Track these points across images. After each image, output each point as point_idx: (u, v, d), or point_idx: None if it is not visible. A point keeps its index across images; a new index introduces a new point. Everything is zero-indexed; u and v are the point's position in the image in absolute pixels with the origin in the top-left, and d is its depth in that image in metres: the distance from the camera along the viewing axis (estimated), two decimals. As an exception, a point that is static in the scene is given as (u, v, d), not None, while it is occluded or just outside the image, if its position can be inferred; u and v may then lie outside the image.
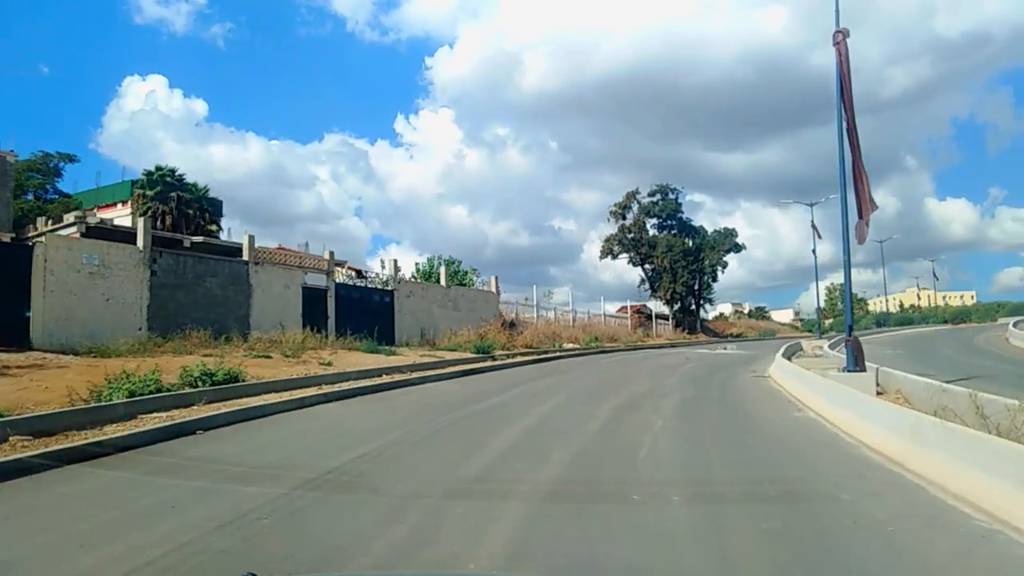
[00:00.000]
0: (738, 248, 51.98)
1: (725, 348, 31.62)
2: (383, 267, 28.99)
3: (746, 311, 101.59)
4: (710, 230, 52.75)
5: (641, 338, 41.65)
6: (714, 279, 52.09)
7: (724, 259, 51.08)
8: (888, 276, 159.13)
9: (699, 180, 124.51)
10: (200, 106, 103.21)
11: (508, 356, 23.30)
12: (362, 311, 23.91)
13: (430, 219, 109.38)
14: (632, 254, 51.34)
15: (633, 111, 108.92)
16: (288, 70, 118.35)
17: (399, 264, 26.86)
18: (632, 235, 50.60)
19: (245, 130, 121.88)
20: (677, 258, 48.73)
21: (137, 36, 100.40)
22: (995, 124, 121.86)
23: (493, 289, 32.33)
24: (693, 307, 52.52)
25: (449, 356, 20.91)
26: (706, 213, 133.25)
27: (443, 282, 29.20)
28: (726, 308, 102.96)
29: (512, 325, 31.35)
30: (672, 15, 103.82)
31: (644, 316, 50.03)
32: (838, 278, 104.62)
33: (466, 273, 34.90)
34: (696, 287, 51.73)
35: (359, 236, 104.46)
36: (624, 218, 51.15)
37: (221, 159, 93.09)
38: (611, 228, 51.66)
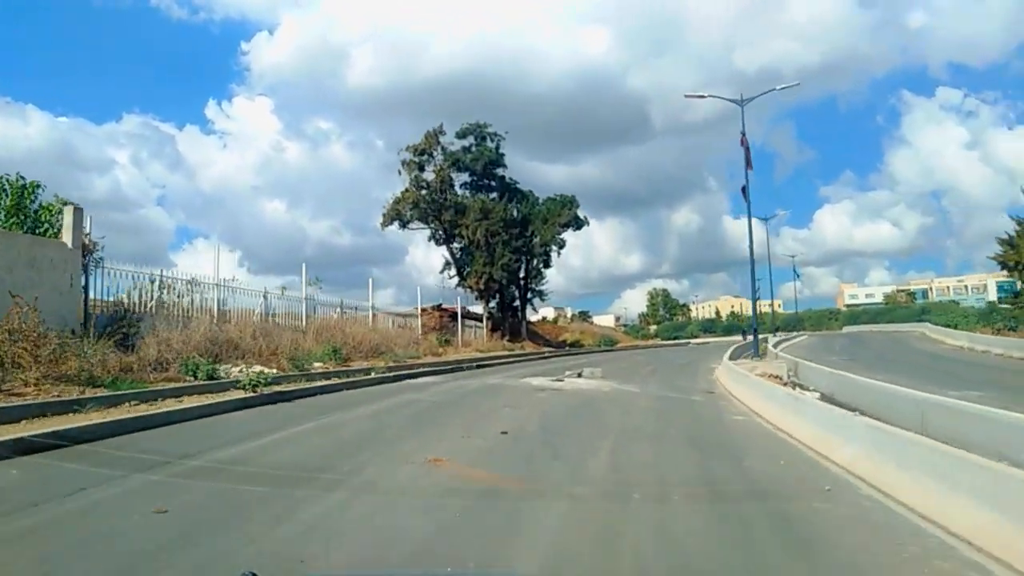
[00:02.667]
0: (579, 223, 37.54)
1: (580, 374, 15.72)
2: None
3: (569, 315, 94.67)
4: (542, 197, 37.70)
5: (435, 349, 24.71)
6: (546, 264, 37.10)
7: (561, 236, 36.24)
8: (689, 286, 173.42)
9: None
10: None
11: None
12: None
13: (244, 213, 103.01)
14: (433, 224, 34.57)
15: (461, 116, 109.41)
16: (79, 41, 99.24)
17: None
18: (433, 195, 33.82)
19: (24, 102, 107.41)
20: (495, 230, 32.78)
21: None
22: (782, 153, 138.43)
23: (67, 240, 13.24)
24: (518, 302, 37.04)
25: None
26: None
27: None
28: (548, 312, 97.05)
29: (118, 321, 13.02)
30: (502, 24, 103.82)
31: (448, 316, 33.46)
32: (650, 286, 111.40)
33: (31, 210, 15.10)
34: (522, 274, 36.32)
35: (163, 227, 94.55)
36: (422, 170, 34.23)
37: (-8, 132, 75.87)
38: (404, 184, 34.49)
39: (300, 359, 15.47)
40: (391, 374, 16.01)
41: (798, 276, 53.04)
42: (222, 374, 12.92)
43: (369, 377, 15.05)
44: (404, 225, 33.97)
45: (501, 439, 6.98)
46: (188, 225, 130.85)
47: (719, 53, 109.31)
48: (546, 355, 29.03)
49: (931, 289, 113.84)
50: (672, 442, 7.11)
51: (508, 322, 35.62)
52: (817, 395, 10.65)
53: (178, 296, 15.91)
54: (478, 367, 19.79)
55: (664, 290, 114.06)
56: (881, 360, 19.71)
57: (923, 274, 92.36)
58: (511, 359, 24.63)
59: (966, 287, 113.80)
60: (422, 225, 34.90)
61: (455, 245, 35.25)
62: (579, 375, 15.49)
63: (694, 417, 9.16)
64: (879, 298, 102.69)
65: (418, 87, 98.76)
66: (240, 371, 13.50)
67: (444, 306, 34.24)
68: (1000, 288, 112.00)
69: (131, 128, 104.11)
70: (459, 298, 31.66)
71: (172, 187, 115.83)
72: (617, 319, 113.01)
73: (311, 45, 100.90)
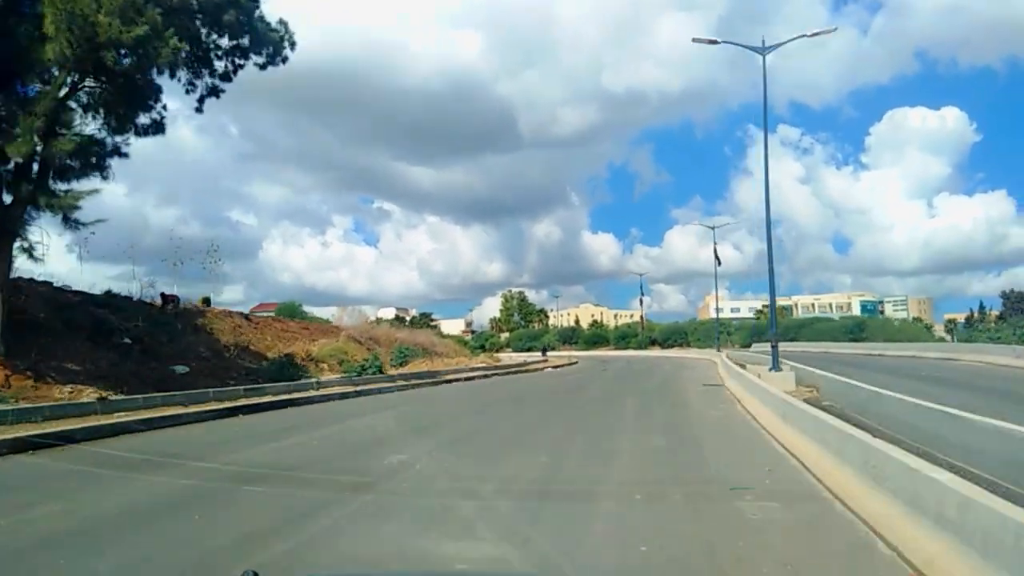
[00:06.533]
0: (275, 47, 14.56)
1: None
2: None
3: (409, 318, 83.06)
4: None
5: None
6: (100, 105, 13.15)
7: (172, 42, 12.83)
8: (547, 296, 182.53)
9: (388, 189, 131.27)
10: None
11: None
12: None
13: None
14: None
15: (325, 110, 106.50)
16: None
17: None
18: None
19: None
20: None
21: None
22: (641, 173, 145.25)
23: None
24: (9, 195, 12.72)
25: None
26: (393, 224, 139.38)
27: None
28: (389, 312, 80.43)
29: None
30: (370, 17, 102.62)
31: None
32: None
33: None
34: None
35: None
36: None
37: None
38: None
39: None
40: None
41: (719, 262, 35.68)
42: None
43: None
44: None
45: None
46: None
47: (588, 72, 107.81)
48: None
49: (795, 306, 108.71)
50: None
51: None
52: None
53: None
54: None
55: (520, 293, 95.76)
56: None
57: (759, 296, 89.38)
58: None
59: (830, 305, 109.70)
60: None
61: None
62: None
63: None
64: (745, 313, 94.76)
65: (277, 74, 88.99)
66: None
67: None
68: (863, 308, 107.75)
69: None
70: None
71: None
72: (468, 324, 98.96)
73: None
